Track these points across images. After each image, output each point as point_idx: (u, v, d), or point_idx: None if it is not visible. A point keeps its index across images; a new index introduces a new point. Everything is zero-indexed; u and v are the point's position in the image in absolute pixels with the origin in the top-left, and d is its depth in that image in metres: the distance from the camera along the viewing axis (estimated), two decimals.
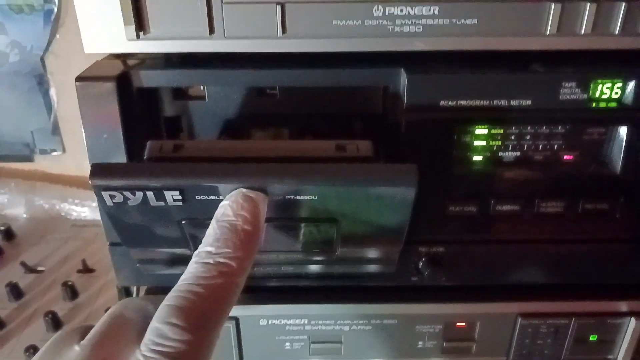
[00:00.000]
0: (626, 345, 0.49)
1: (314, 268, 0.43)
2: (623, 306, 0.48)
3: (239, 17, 0.36)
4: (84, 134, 0.39)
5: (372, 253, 0.41)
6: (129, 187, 0.33)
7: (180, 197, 0.33)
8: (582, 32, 0.36)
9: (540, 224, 0.43)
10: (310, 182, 0.33)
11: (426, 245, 0.44)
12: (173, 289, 0.29)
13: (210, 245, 0.30)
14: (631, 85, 0.38)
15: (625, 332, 0.48)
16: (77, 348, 0.29)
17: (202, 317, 0.27)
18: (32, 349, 0.63)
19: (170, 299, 0.28)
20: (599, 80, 0.38)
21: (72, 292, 0.73)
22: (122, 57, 0.43)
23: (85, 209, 0.87)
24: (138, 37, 0.36)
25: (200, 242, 0.31)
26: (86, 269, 0.78)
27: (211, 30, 0.36)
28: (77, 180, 0.88)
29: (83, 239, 0.83)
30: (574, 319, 0.48)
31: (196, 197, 0.33)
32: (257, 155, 0.35)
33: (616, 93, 0.39)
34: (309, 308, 0.48)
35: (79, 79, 0.38)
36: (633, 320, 0.48)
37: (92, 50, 0.37)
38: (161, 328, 0.27)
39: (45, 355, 0.30)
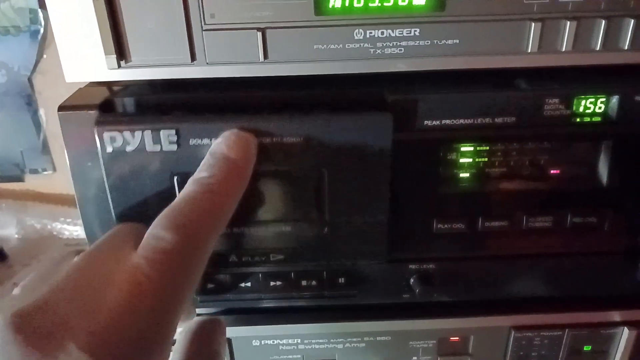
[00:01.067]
0: (620, 355, 0.49)
1: (305, 252, 0.42)
2: (615, 316, 0.48)
3: (220, 44, 0.36)
4: (67, 162, 0.39)
5: (360, 225, 0.40)
6: (129, 127, 0.36)
7: (175, 139, 0.36)
8: (564, 49, 0.36)
9: (529, 239, 0.43)
10: (296, 118, 0.36)
11: (416, 263, 0.44)
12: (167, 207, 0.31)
13: (204, 171, 0.33)
14: (614, 99, 0.38)
15: (619, 342, 0.48)
16: (75, 259, 0.30)
17: (189, 223, 0.30)
18: None
19: (164, 211, 0.31)
20: (582, 96, 0.38)
21: None
22: (106, 83, 0.42)
23: (77, 228, 0.86)
24: (119, 66, 0.36)
25: None
26: None
27: (193, 57, 0.36)
28: (69, 199, 0.88)
29: None
30: (567, 330, 0.48)
31: (190, 141, 0.36)
32: None
33: (600, 108, 0.39)
34: (301, 328, 0.47)
35: (62, 108, 0.38)
36: (626, 329, 0.48)
37: (74, 79, 0.37)
38: (154, 231, 0.30)
39: (41, 271, 0.32)
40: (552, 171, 0.41)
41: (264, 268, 0.43)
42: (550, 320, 0.48)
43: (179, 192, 0.36)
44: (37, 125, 0.84)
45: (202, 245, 0.31)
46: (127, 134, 0.36)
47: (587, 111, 0.39)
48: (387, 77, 0.38)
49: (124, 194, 0.38)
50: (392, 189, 0.40)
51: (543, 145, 0.40)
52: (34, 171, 0.88)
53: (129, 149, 0.36)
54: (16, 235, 0.87)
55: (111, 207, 0.39)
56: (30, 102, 0.83)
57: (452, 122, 0.38)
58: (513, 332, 0.48)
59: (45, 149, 0.86)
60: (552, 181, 0.41)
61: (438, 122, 0.38)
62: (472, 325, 0.48)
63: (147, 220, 0.38)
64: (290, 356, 0.48)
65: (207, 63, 0.36)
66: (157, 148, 0.36)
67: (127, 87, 0.42)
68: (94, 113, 0.37)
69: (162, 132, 0.36)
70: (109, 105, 0.39)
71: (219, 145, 0.34)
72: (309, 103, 0.38)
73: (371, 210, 0.40)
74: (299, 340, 0.48)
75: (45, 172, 0.88)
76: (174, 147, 0.36)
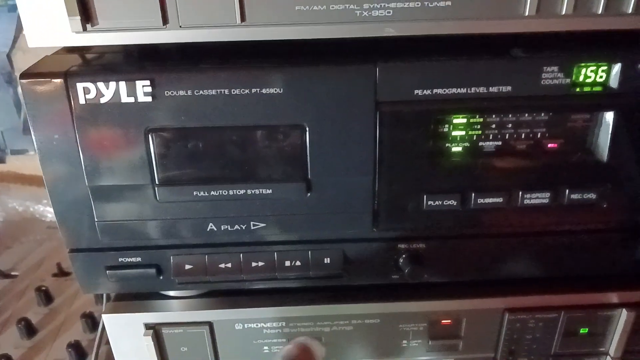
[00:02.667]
0: (618, 337, 0.47)
1: (287, 219, 0.41)
2: (614, 297, 0.46)
3: (194, 5, 0.33)
4: (33, 136, 0.37)
5: (344, 186, 0.39)
6: (103, 77, 0.35)
7: (150, 90, 0.35)
8: (563, 12, 0.34)
9: (524, 216, 0.41)
10: (276, 68, 0.35)
11: (405, 242, 0.42)
12: None
13: None
14: (616, 68, 0.36)
15: (617, 324, 0.47)
16: None
17: None
18: (5, 358, 0.61)
19: None
20: (583, 64, 0.36)
21: (46, 297, 0.71)
22: (78, 50, 0.40)
23: None
24: (85, 29, 0.33)
25: (162, 171, 0.37)
26: (62, 272, 0.76)
27: (165, 20, 0.33)
28: None
29: (58, 241, 0.80)
30: (563, 312, 0.46)
31: (165, 92, 0.35)
32: None
33: (601, 77, 0.37)
34: (286, 310, 0.45)
35: (24, 75, 0.35)
36: (624, 311, 0.46)
37: (36, 44, 0.34)
38: None
39: None
40: (549, 145, 0.39)
41: (245, 242, 0.42)
42: (545, 301, 0.46)
43: (155, 149, 0.37)
44: (18, 104, 0.82)
45: None
46: (101, 85, 0.35)
47: (588, 80, 0.37)
48: (375, 42, 0.35)
49: (96, 152, 0.37)
50: (380, 163, 0.38)
51: (540, 116, 0.38)
52: (16, 152, 0.85)
53: (103, 100, 0.35)
54: None
55: (83, 167, 0.37)
56: (10, 80, 0.80)
57: (444, 91, 0.36)
58: (507, 315, 0.46)
59: (26, 129, 0.83)
60: (549, 155, 0.39)
61: (429, 92, 0.36)
62: (465, 308, 0.46)
63: (119, 181, 0.37)
64: (274, 340, 0.46)
65: (180, 26, 0.34)
66: (132, 99, 0.35)
67: (102, 54, 0.40)
68: (59, 82, 0.35)
69: (137, 83, 0.35)
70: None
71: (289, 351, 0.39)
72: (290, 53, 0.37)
73: (356, 169, 0.38)
74: (284, 324, 0.46)
75: (27, 153, 0.85)
76: (149, 99, 0.35)
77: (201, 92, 0.35)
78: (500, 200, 0.39)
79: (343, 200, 0.40)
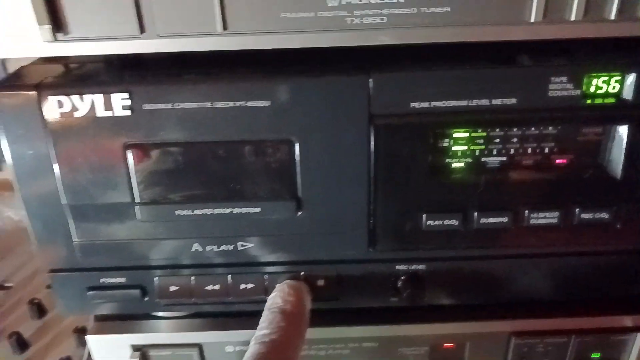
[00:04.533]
0: None
1: (276, 239, 0.39)
2: (627, 321, 0.44)
3: (172, 12, 0.31)
4: (8, 152, 0.35)
5: (337, 204, 0.37)
6: (77, 89, 0.33)
7: (129, 103, 0.33)
8: (573, 18, 0.31)
9: (531, 237, 0.38)
10: (262, 79, 0.34)
11: (404, 263, 0.40)
12: None
13: (265, 329, 0.34)
14: (631, 78, 0.34)
15: (631, 349, 0.44)
16: None
17: None
18: None
19: None
20: (594, 74, 0.34)
21: (39, 310, 0.69)
22: (56, 60, 0.38)
23: None
24: (56, 38, 0.31)
25: (143, 189, 0.36)
26: None
27: (142, 29, 0.31)
28: None
29: None
30: (573, 336, 0.44)
31: (144, 106, 0.33)
32: None
33: (614, 87, 0.34)
34: None
35: None
36: (639, 335, 0.43)
37: (5, 55, 0.32)
38: None
39: None
40: (558, 160, 0.37)
41: (233, 263, 0.40)
42: (554, 325, 0.43)
43: (134, 166, 0.35)
44: None
45: None
46: (75, 98, 0.33)
47: (599, 91, 0.34)
48: (368, 51, 0.33)
49: (72, 170, 0.35)
50: (375, 180, 0.35)
51: (548, 130, 0.35)
52: None
53: (77, 115, 0.33)
54: None
55: (58, 185, 0.36)
56: None
57: (443, 104, 0.34)
58: (513, 339, 0.43)
59: None
60: (558, 171, 0.37)
61: (427, 104, 0.34)
62: (468, 331, 0.44)
63: (97, 199, 0.36)
64: None
65: (158, 35, 0.31)
66: (109, 113, 0.33)
67: (81, 65, 0.38)
68: (31, 95, 0.33)
69: (113, 96, 0.33)
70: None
71: (275, 299, 0.37)
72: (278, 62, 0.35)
73: (350, 186, 0.36)
74: None
75: None
76: (128, 113, 0.33)
77: (182, 105, 0.33)
78: (505, 220, 0.37)
79: (336, 219, 0.37)
